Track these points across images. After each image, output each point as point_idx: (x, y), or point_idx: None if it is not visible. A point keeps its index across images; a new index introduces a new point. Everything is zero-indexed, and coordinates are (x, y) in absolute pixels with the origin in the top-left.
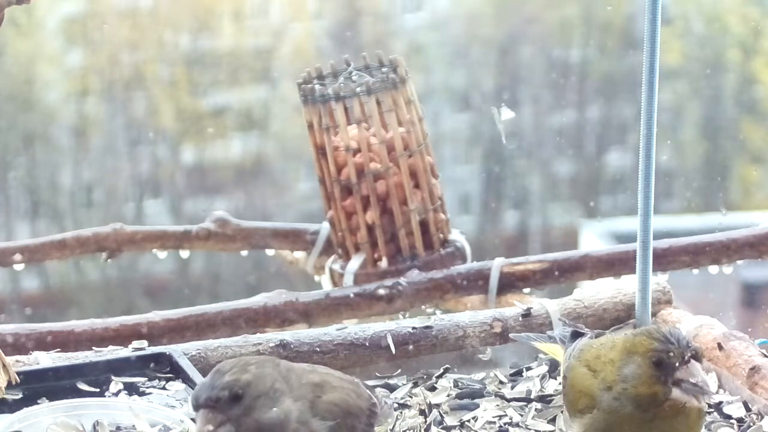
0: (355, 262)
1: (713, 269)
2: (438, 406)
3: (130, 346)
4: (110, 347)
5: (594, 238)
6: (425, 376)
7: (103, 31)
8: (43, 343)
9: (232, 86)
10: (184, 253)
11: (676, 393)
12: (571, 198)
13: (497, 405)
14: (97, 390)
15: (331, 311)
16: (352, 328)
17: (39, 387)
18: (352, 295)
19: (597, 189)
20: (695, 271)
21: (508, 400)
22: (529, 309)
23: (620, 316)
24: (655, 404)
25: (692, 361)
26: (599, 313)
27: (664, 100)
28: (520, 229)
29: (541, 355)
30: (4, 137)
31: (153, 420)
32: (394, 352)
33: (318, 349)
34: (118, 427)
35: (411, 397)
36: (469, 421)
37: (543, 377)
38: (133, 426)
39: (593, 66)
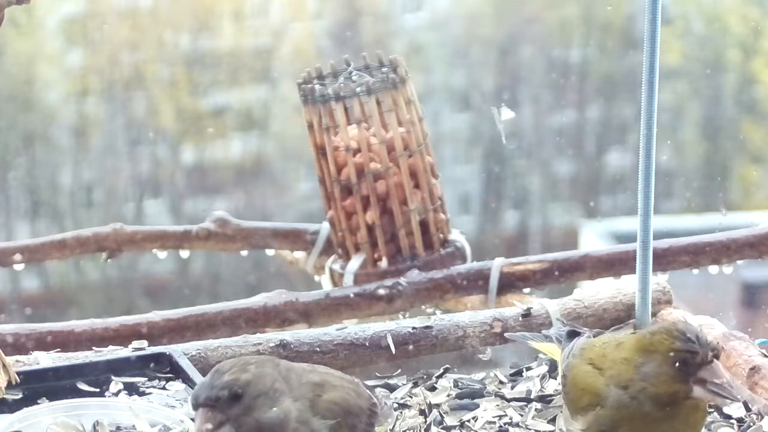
0: (355, 262)
1: (713, 269)
2: (438, 406)
3: (130, 346)
4: (110, 347)
5: (594, 238)
6: (425, 376)
7: (103, 31)
8: (43, 343)
9: (232, 86)
10: (184, 253)
11: (698, 392)
12: (571, 198)
13: (497, 405)
14: (97, 390)
15: (331, 311)
16: (352, 328)
17: (39, 387)
18: (352, 295)
19: (597, 189)
20: (695, 271)
21: (508, 400)
22: (529, 309)
23: (620, 316)
24: (675, 403)
25: (715, 360)
26: (599, 313)
27: (664, 100)
28: (520, 229)
29: (541, 355)
30: (4, 137)
31: (153, 420)
32: (394, 352)
33: (318, 349)
34: (118, 427)
35: (411, 397)
36: (469, 421)
37: (543, 377)
38: (133, 426)
39: (593, 66)
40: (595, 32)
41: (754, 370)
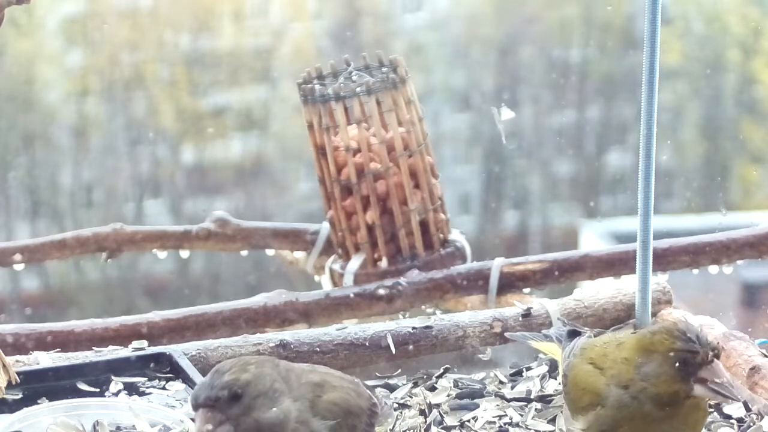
0: (355, 262)
1: (713, 269)
2: (438, 406)
3: (130, 346)
4: (110, 347)
5: (594, 238)
6: (425, 376)
7: (103, 31)
8: (43, 343)
9: (232, 86)
10: (184, 253)
11: (698, 390)
12: (571, 198)
13: (497, 405)
14: (97, 390)
15: (331, 311)
16: (352, 328)
17: (39, 387)
18: (352, 295)
19: (597, 189)
20: (695, 271)
21: (508, 400)
22: (529, 309)
23: (620, 316)
24: (676, 402)
25: (715, 360)
26: (599, 313)
27: (664, 100)
28: (520, 229)
29: (541, 355)
30: (4, 137)
31: (153, 420)
32: (394, 352)
33: (318, 349)
34: (118, 427)
35: (411, 397)
36: (469, 421)
37: (543, 377)
38: (133, 426)
39: (593, 66)
40: (595, 32)
41: (754, 370)
